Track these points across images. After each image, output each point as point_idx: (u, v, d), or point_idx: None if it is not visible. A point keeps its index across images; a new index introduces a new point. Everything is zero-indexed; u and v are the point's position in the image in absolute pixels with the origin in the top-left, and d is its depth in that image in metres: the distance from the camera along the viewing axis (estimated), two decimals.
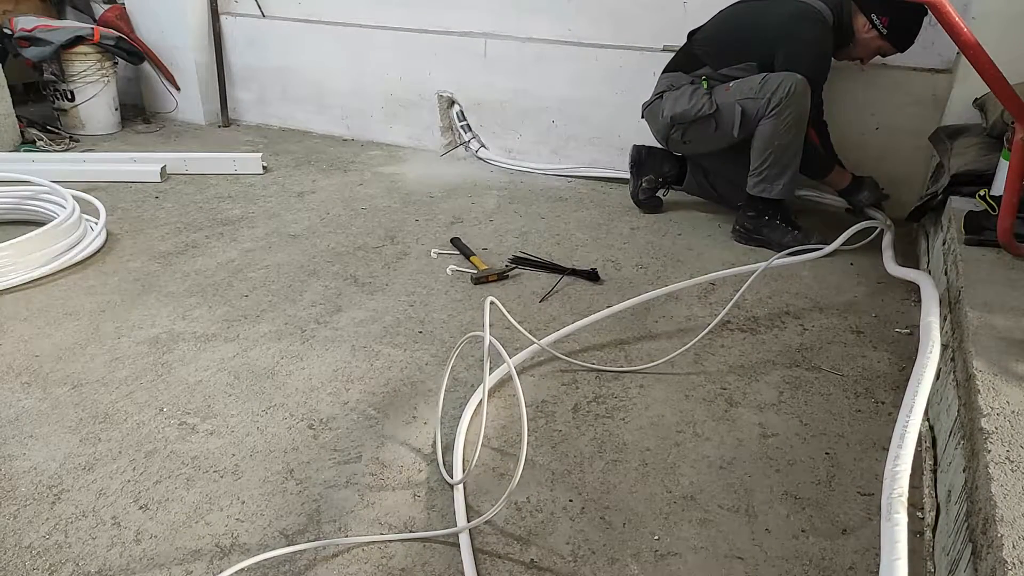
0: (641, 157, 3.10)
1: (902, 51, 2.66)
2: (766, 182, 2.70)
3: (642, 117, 3.02)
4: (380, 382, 1.87)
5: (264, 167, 3.52)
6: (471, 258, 2.55)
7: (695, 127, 2.78)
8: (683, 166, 3.09)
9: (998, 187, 2.10)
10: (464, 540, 1.34)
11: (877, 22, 2.58)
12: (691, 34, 2.91)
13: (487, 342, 1.51)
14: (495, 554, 1.34)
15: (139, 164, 3.39)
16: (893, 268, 2.36)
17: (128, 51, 4.06)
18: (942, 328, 1.81)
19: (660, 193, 3.14)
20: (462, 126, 3.86)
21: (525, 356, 1.94)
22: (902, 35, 2.60)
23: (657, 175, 3.08)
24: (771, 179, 2.69)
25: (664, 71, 2.95)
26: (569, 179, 3.54)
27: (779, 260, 2.22)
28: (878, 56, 2.72)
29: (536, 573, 1.30)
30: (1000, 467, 1.12)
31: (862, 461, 1.61)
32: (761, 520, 1.44)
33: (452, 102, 3.86)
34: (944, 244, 2.18)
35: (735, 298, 2.11)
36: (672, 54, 3.24)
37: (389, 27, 3.86)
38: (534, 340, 1.91)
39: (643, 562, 1.33)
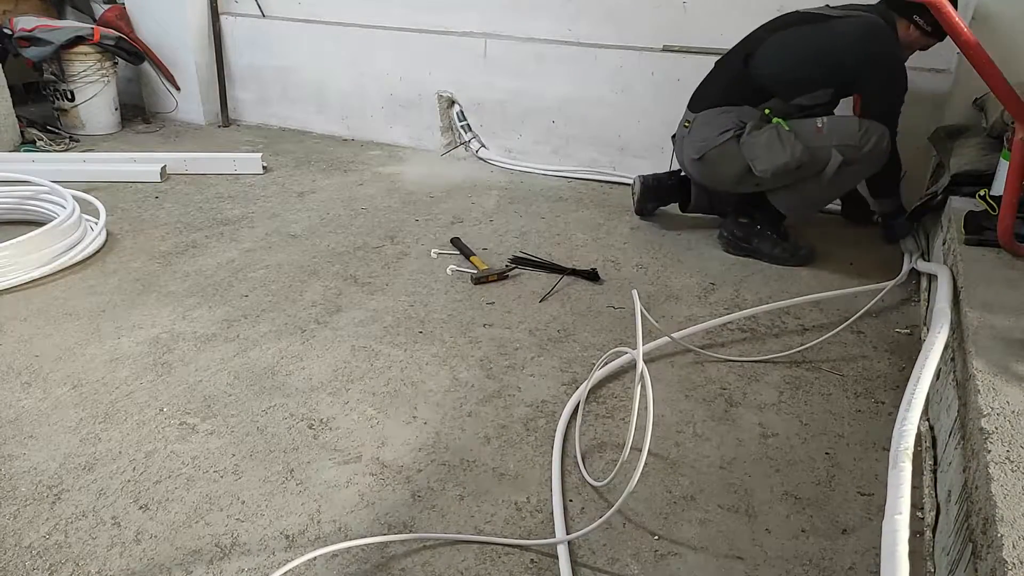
0: (648, 190, 2.96)
1: (943, 40, 2.48)
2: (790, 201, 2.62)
3: (696, 158, 2.62)
4: (380, 382, 1.87)
5: (264, 167, 3.52)
6: (471, 258, 2.55)
7: (779, 173, 2.50)
8: (687, 192, 2.92)
9: (998, 187, 2.10)
10: (563, 552, 1.33)
11: (921, 22, 2.46)
12: (746, 59, 2.60)
13: (639, 327, 1.44)
14: (495, 554, 1.34)
15: (139, 164, 3.39)
16: (920, 265, 2.41)
17: (128, 51, 4.05)
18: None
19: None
20: (462, 126, 3.86)
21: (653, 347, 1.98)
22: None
23: (663, 203, 3.02)
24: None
25: (717, 104, 2.61)
26: (569, 179, 3.53)
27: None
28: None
29: (536, 573, 1.30)
30: (1000, 467, 1.12)
31: (862, 461, 1.61)
32: (761, 520, 1.44)
33: (452, 102, 3.86)
34: (944, 244, 2.18)
35: (868, 306, 2.08)
36: (671, 53, 3.24)
37: (389, 27, 3.85)
38: (666, 334, 1.93)
39: (643, 562, 1.33)
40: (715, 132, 2.57)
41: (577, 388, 1.84)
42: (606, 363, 1.86)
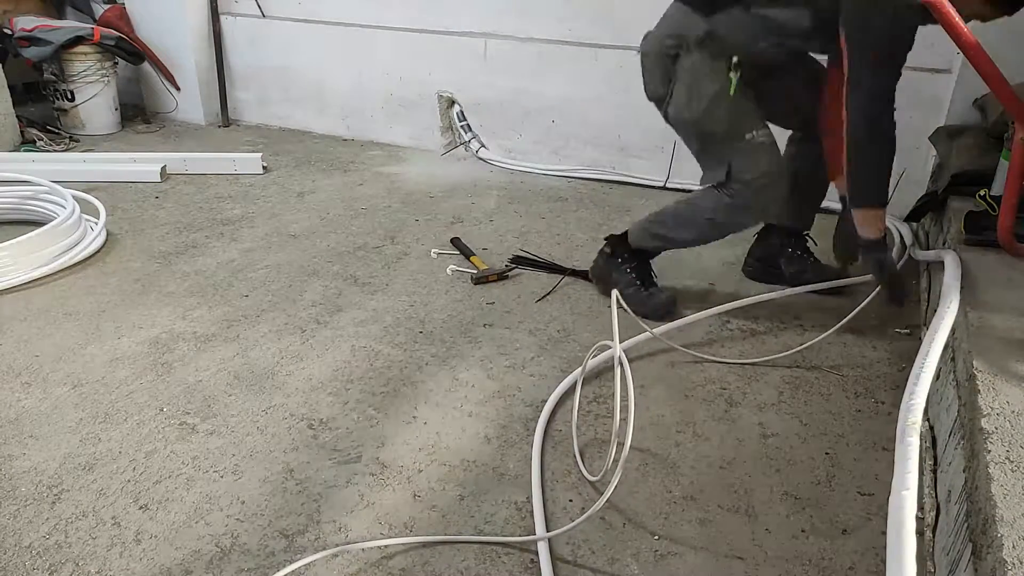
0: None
1: (1011, 14, 1.88)
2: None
3: (640, 50, 2.24)
4: (380, 382, 1.87)
5: (264, 167, 3.52)
6: (471, 258, 2.55)
7: (679, 125, 2.13)
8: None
9: (998, 187, 2.10)
10: (543, 548, 1.34)
11: None
12: None
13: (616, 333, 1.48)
14: (495, 554, 1.34)
15: (139, 164, 3.39)
16: (918, 254, 2.38)
17: (128, 51, 4.05)
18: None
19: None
20: (462, 126, 3.86)
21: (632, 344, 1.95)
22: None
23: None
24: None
25: None
26: (569, 179, 3.53)
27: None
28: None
29: (536, 573, 1.30)
30: (1000, 467, 1.11)
31: (862, 461, 1.61)
32: (761, 520, 1.44)
33: (452, 102, 3.86)
34: (944, 244, 2.18)
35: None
36: None
37: (389, 27, 3.85)
38: (649, 331, 1.90)
39: (643, 562, 1.33)
40: (659, 34, 2.14)
41: (569, 385, 1.85)
42: (594, 357, 1.86)
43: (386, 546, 1.35)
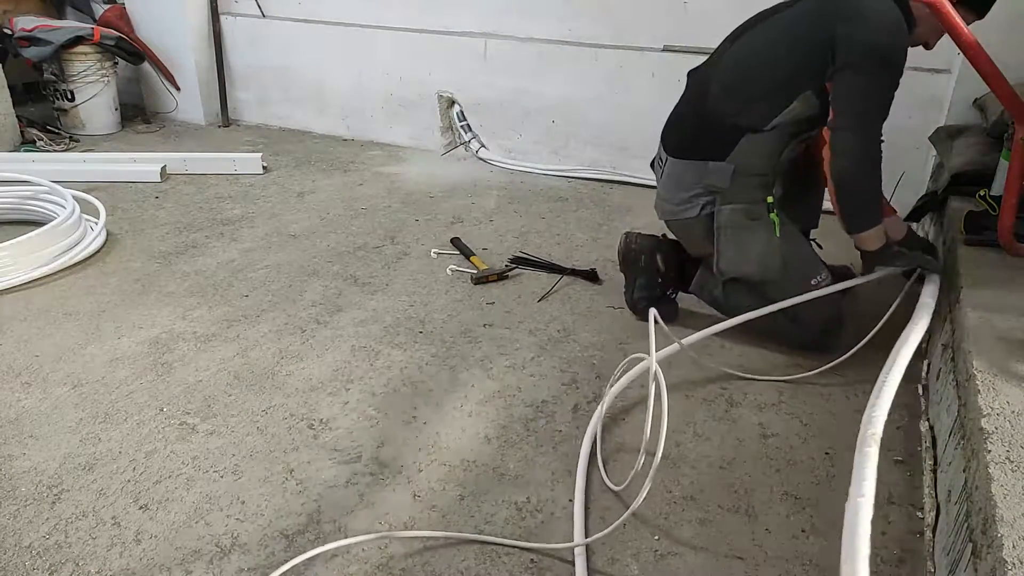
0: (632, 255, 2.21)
1: (982, 17, 1.89)
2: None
3: (663, 220, 2.14)
4: (380, 382, 1.87)
5: (264, 167, 3.52)
6: (471, 258, 2.55)
7: (739, 277, 2.02)
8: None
9: (998, 187, 2.10)
10: (579, 554, 1.34)
11: None
12: (704, 93, 2.00)
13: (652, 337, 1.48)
14: (495, 554, 1.34)
15: (139, 164, 3.39)
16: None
17: (128, 51, 4.06)
18: (941, 327, 1.81)
19: (670, 294, 2.24)
20: (462, 126, 3.86)
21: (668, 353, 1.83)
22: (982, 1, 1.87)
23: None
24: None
25: (684, 150, 2.01)
26: (569, 179, 3.53)
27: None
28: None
29: (536, 573, 1.30)
30: (1000, 467, 1.12)
31: None
32: (761, 520, 1.44)
33: (452, 102, 3.86)
34: (944, 244, 2.18)
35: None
36: (671, 53, 3.23)
37: (389, 27, 3.85)
38: (678, 343, 1.83)
39: (643, 562, 1.33)
40: (681, 196, 2.03)
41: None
42: (625, 371, 1.79)
43: (387, 545, 1.35)
